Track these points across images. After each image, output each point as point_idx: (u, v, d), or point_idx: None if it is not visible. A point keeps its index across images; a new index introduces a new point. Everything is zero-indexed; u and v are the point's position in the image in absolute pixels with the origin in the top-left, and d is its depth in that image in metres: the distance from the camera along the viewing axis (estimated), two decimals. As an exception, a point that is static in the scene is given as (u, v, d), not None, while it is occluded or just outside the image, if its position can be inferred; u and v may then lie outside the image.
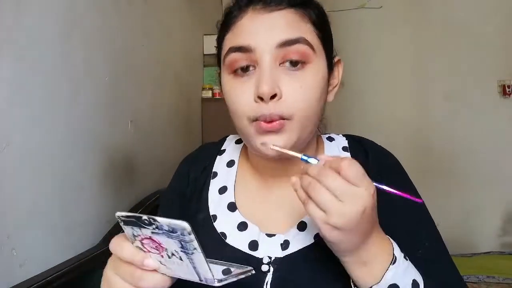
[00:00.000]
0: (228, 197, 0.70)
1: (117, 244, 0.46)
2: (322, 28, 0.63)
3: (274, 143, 0.58)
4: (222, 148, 0.78)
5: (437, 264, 0.61)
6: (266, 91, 0.56)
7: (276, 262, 0.61)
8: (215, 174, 0.74)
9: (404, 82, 2.84)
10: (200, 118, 2.51)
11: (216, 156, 0.77)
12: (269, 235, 0.64)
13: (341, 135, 0.75)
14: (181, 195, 0.74)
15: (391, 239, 0.54)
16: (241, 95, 0.60)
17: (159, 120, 1.88)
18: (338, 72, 0.68)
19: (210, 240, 0.65)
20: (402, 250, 0.54)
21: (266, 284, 0.60)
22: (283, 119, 0.58)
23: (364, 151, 0.70)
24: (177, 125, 2.14)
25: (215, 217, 0.68)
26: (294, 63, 0.59)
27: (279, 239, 0.63)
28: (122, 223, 0.43)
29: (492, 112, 2.68)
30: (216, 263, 0.46)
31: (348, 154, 0.71)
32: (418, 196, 0.65)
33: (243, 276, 0.46)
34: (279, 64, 0.59)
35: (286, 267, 0.59)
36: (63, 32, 1.17)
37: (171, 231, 0.39)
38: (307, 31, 0.60)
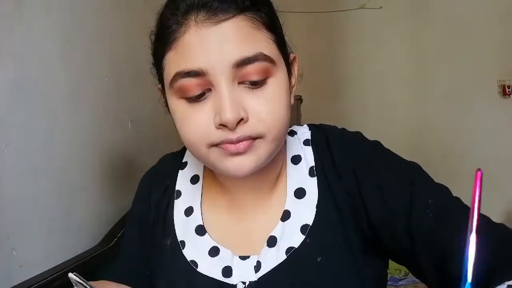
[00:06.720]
0: (196, 219, 0.64)
1: None
2: (275, 28, 0.56)
3: (243, 166, 0.53)
4: (184, 161, 0.71)
5: (460, 211, 0.52)
6: (231, 119, 0.49)
7: (251, 287, 0.57)
8: (179, 193, 0.68)
9: (404, 82, 2.84)
10: (200, 118, 2.50)
11: (178, 171, 0.70)
12: (243, 258, 0.59)
13: (305, 125, 0.67)
14: (142, 220, 0.69)
15: None
16: (199, 124, 0.53)
17: (159, 120, 1.88)
18: (295, 70, 0.61)
19: (179, 270, 0.61)
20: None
21: None
22: (253, 139, 0.52)
23: (326, 141, 0.63)
24: (177, 125, 2.13)
25: (183, 243, 0.63)
26: (255, 82, 0.52)
27: (252, 261, 0.58)
28: (73, 284, 0.50)
29: (492, 112, 2.68)
30: None
31: (309, 148, 0.63)
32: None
33: None
34: (238, 83, 0.52)
35: None
36: (63, 32, 1.17)
37: None
38: (263, 42, 0.53)
